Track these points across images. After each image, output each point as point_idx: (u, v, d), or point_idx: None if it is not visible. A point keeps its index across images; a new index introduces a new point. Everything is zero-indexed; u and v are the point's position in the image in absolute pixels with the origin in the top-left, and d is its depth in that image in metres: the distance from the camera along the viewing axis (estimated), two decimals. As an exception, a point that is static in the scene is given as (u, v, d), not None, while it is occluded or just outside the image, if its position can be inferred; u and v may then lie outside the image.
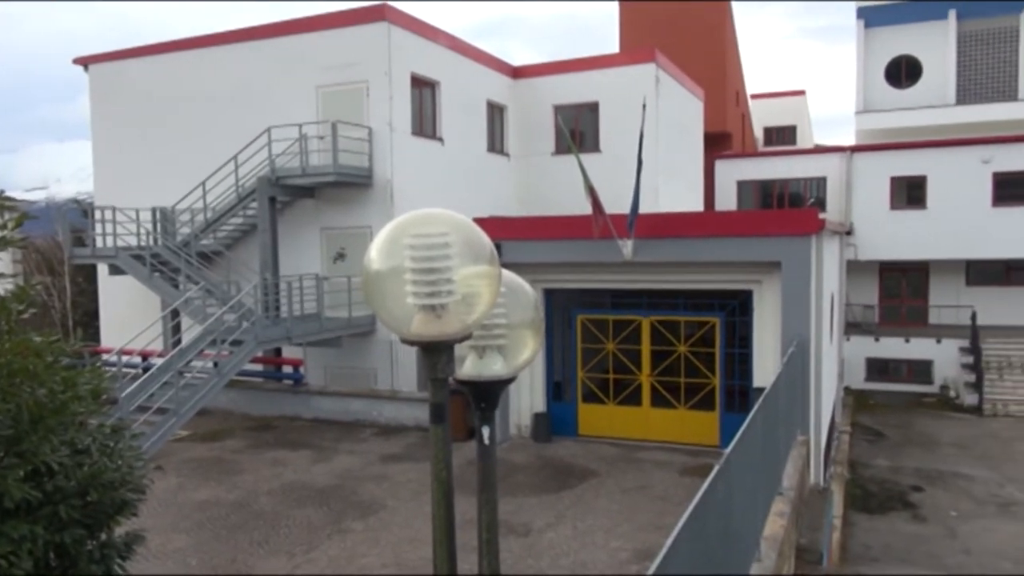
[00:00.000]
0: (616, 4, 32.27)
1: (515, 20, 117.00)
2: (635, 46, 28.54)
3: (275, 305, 16.15)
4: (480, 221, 11.30)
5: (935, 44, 33.07)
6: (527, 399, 15.26)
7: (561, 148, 22.02)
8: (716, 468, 5.32)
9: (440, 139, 19.71)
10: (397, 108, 17.90)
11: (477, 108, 21.44)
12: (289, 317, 15.59)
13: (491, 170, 22.03)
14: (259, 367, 17.91)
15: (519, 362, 2.74)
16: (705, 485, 4.95)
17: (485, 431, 2.71)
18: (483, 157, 21.67)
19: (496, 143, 22.55)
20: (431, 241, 2.31)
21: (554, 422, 15.22)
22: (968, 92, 32.94)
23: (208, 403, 14.26)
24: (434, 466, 2.45)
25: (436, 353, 2.36)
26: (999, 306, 28.35)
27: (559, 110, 22.35)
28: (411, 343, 2.37)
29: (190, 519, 11.14)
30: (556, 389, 15.62)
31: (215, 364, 14.12)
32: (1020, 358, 26.30)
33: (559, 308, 15.47)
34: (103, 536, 4.70)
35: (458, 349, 2.62)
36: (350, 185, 17.70)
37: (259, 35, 19.15)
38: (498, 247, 10.92)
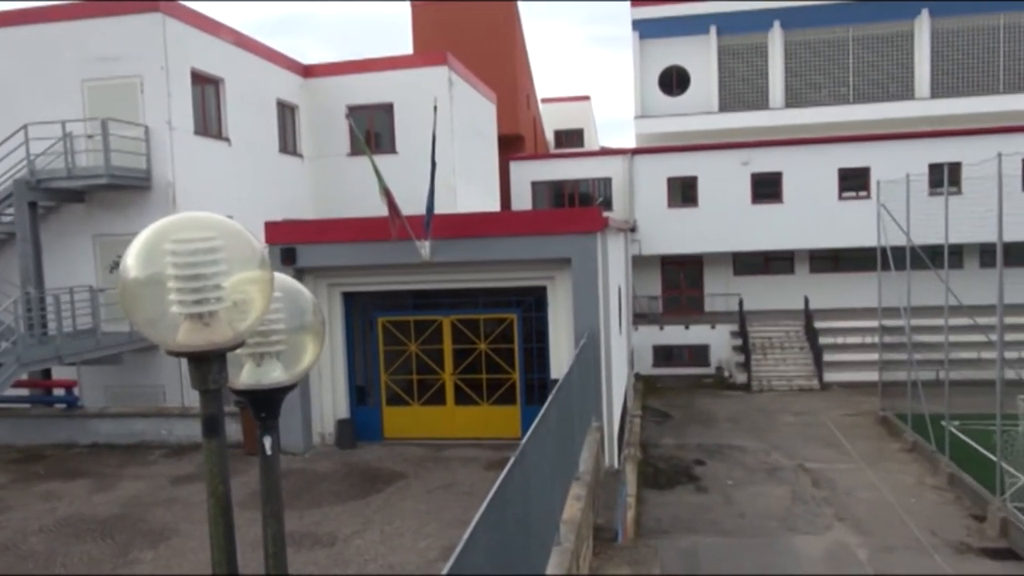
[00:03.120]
0: (409, 4, 32.34)
1: (308, 17, 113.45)
2: (428, 48, 28.78)
3: (41, 322, 14.56)
4: (273, 225, 10.83)
5: (700, 56, 36.28)
6: (329, 406, 14.91)
7: (356, 149, 21.72)
8: (512, 459, 5.51)
9: (227, 139, 18.73)
10: (177, 105, 16.78)
11: (266, 107, 20.61)
12: (59, 334, 14.12)
13: (283, 171, 21.27)
14: (25, 392, 16.07)
15: (300, 368, 2.67)
16: (501, 477, 5.11)
17: (267, 441, 2.63)
18: (274, 158, 20.87)
19: (288, 144, 21.81)
20: (196, 247, 2.20)
21: (359, 427, 14.98)
22: (729, 100, 36.44)
23: (-41, 436, 12.58)
24: (209, 482, 2.34)
25: (206, 363, 2.25)
26: (761, 293, 31.68)
27: (353, 111, 22.00)
28: (177, 354, 2.25)
29: (-60, 570, 9.79)
30: (359, 394, 15.39)
31: (-34, 392, 12.49)
32: (779, 339, 29.54)
33: (359, 311, 15.25)
34: None
35: (233, 358, 2.52)
36: (126, 188, 16.35)
37: (13, 21, 17.14)
38: (292, 251, 10.53)
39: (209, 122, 18.31)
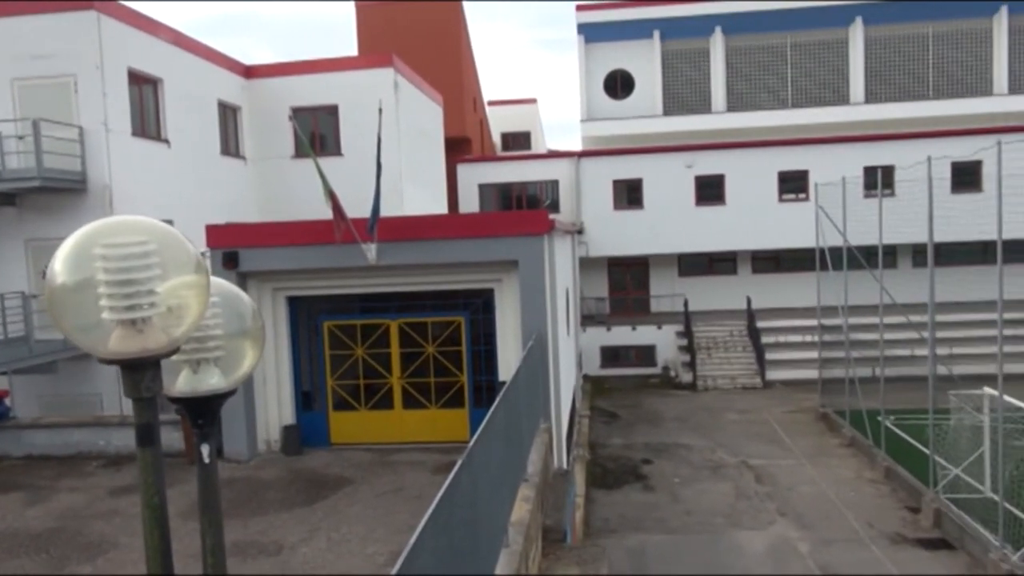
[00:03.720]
0: (353, 4, 32.05)
1: (250, 17, 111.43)
2: (373, 49, 28.57)
3: (-32, 330, 14.02)
4: (215, 228, 10.60)
5: (644, 60, 36.83)
6: (275, 412, 14.66)
7: (301, 151, 21.44)
8: (459, 462, 5.50)
9: (166, 141, 18.29)
10: (113, 106, 16.32)
11: (207, 108, 20.19)
12: (-13, 343, 13.60)
13: (226, 174, 20.86)
14: (-50, 403, 15.40)
15: (239, 374, 2.63)
16: (448, 480, 5.10)
17: (204, 449, 2.58)
18: (216, 160, 20.46)
19: (230, 145, 21.40)
20: (128, 251, 2.14)
21: (305, 433, 14.76)
22: (673, 104, 37.05)
23: None
24: (144, 492, 2.28)
25: (139, 370, 2.19)
26: (705, 293, 32.26)
27: (297, 112, 21.71)
28: (109, 362, 2.19)
29: None
30: (305, 399, 15.16)
31: None
32: (723, 339, 30.12)
33: (304, 316, 15.04)
34: None
35: (169, 365, 2.47)
36: (60, 191, 15.84)
37: (-67, 18, 16.48)
38: (235, 255, 10.32)
39: (147, 123, 17.86)
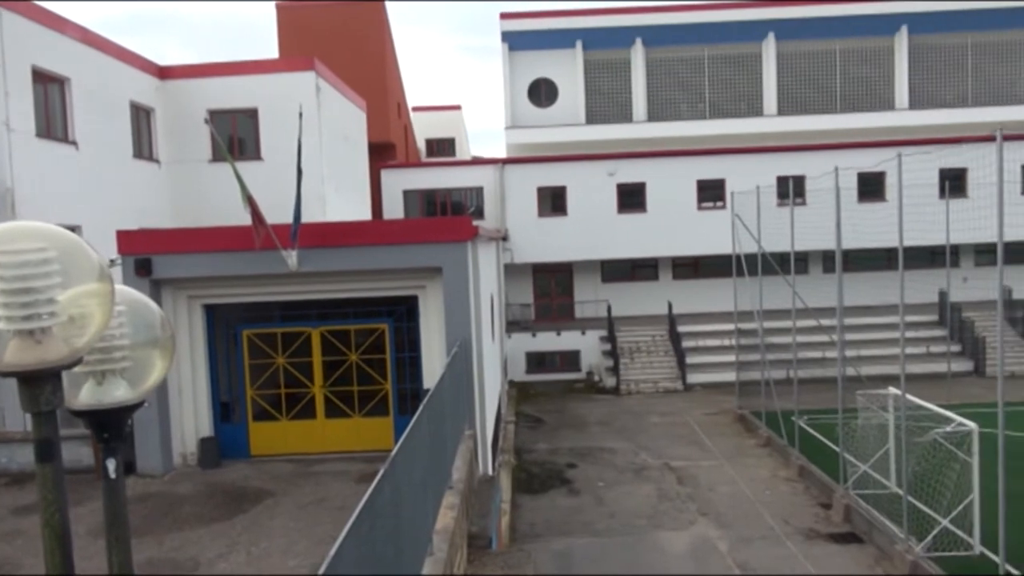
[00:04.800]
0: (274, 5, 31.42)
1: (167, 17, 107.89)
2: (294, 51, 28.08)
3: None
4: (126, 234, 10.21)
5: (567, 69, 37.33)
6: (191, 424, 14.19)
7: (219, 155, 20.86)
8: (381, 471, 5.44)
9: (74, 143, 17.52)
10: (16, 105, 15.55)
11: (118, 109, 19.45)
12: None
13: (139, 178, 20.13)
14: None
15: (146, 386, 2.54)
16: (370, 489, 5.04)
17: (110, 464, 2.48)
18: (128, 164, 19.71)
19: (143, 148, 20.66)
20: (25, 258, 2.05)
21: (224, 445, 14.33)
22: (596, 113, 37.66)
23: None
24: (44, 510, 2.18)
25: (38, 383, 2.09)
26: (628, 299, 32.84)
27: (215, 115, 21.12)
28: (5, 374, 2.09)
29: None
30: (224, 410, 14.73)
31: None
32: (646, 343, 30.72)
33: (222, 324, 14.62)
34: None
35: (72, 376, 2.37)
36: (-45, 195, 14.97)
37: None
38: (148, 262, 9.96)
39: (53, 124, 17.08)
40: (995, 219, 10.84)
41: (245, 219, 12.90)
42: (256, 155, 21.52)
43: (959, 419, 13.29)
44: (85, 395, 2.43)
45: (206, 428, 14.31)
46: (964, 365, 28.28)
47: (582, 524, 16.09)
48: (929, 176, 26.39)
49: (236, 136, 21.90)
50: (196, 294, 13.80)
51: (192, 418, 14.18)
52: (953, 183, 26.67)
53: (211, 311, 14.21)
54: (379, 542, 5.31)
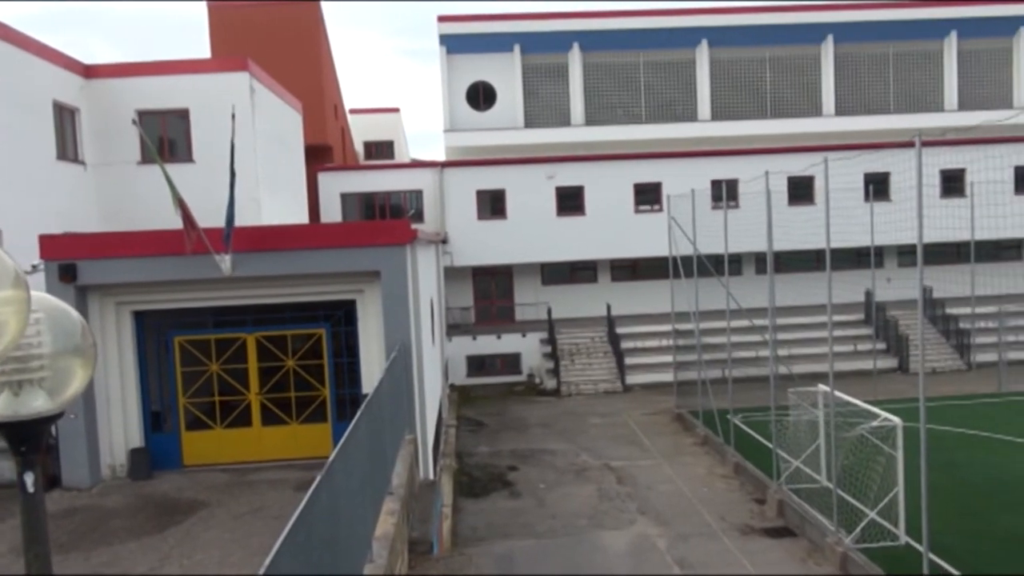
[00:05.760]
0: (205, 4, 30.67)
1: (97, 14, 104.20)
2: (227, 52, 27.47)
3: None
4: (49, 238, 9.86)
5: (506, 73, 37.46)
6: (120, 434, 13.75)
7: (148, 157, 20.25)
8: (318, 478, 5.36)
9: (-9, 144, 16.79)
10: (-73, 105, 14.83)
11: (40, 109, 18.71)
12: None
13: (63, 180, 19.39)
14: None
15: (67, 395, 2.45)
16: (306, 497, 4.96)
17: (28, 478, 2.38)
18: (51, 166, 18.98)
19: (67, 150, 19.92)
20: (-68, 266, 1.96)
21: (155, 456, 13.94)
22: (534, 116, 37.88)
23: None
24: (-45, 528, 2.08)
25: (-52, 395, 2.01)
26: (568, 301, 33.10)
27: (144, 116, 20.50)
28: (-89, 387, 1.99)
29: None
30: (155, 419, 14.32)
31: None
32: (586, 345, 31.00)
33: (153, 331, 14.22)
34: None
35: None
36: None
37: None
38: (72, 267, 9.62)
39: (-31, 124, 16.34)
40: (916, 221, 11.29)
41: (176, 223, 12.58)
42: (188, 157, 20.97)
43: (884, 414, 13.78)
44: (1, 406, 2.33)
45: (136, 438, 13.90)
46: (889, 362, 29.35)
47: (523, 526, 16.13)
48: (855, 180, 27.43)
49: (167, 137, 21.31)
50: (125, 300, 13.39)
51: (121, 428, 13.74)
52: (877, 187, 27.67)
53: (141, 318, 13.80)
54: (316, 550, 5.23)
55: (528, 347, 31.05)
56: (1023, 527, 14.31)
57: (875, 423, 13.84)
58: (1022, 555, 13.16)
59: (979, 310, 28.28)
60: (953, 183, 31.21)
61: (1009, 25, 38.29)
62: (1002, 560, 13.10)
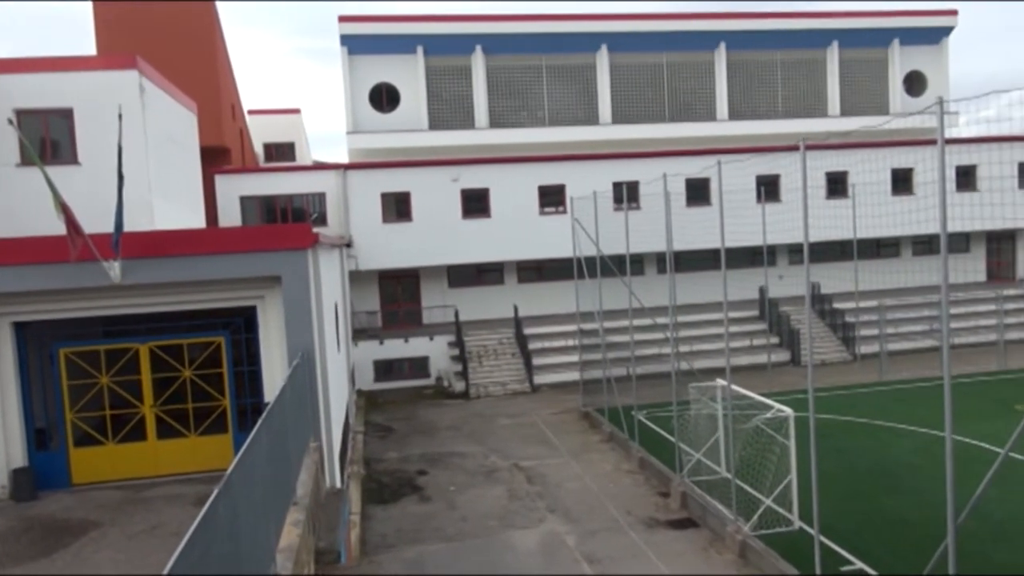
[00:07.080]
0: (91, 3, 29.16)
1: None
2: (115, 50, 26.22)
3: None
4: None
5: (409, 75, 37.25)
6: (1, 455, 12.90)
7: (27, 159, 19.08)
8: (215, 491, 5.19)
9: None
10: None
11: (-97, 108, 17.37)
12: None
13: (-69, 184, 18.05)
14: None
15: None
16: (202, 512, 4.80)
17: None
18: (-83, 168, 17.64)
19: (-64, 151, 18.55)
20: None
21: (40, 475, 13.14)
22: (438, 119, 37.80)
23: None
24: None
25: None
26: (475, 303, 33.20)
27: (22, 115, 19.31)
28: None
29: None
30: (39, 437, 13.50)
31: None
32: (493, 346, 31.14)
33: (35, 343, 13.41)
34: None
35: None
36: None
37: None
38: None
39: None
40: (803, 221, 11.88)
41: (59, 228, 11.91)
42: (72, 159, 19.86)
43: (778, 406, 14.45)
44: None
45: (19, 458, 13.08)
46: (782, 356, 30.75)
47: (434, 530, 16.06)
48: (748, 182, 28.61)
49: (49, 138, 20.13)
50: (4, 311, 12.60)
51: (2, 447, 12.91)
52: (768, 188, 28.97)
53: (21, 329, 13.00)
54: (215, 566, 5.06)
55: (436, 350, 30.94)
56: (904, 508, 15.27)
57: (769, 414, 14.49)
58: (904, 535, 14.05)
59: (862, 304, 30.01)
60: (837, 185, 32.99)
61: (884, 36, 40.83)
62: (886, 540, 13.95)
